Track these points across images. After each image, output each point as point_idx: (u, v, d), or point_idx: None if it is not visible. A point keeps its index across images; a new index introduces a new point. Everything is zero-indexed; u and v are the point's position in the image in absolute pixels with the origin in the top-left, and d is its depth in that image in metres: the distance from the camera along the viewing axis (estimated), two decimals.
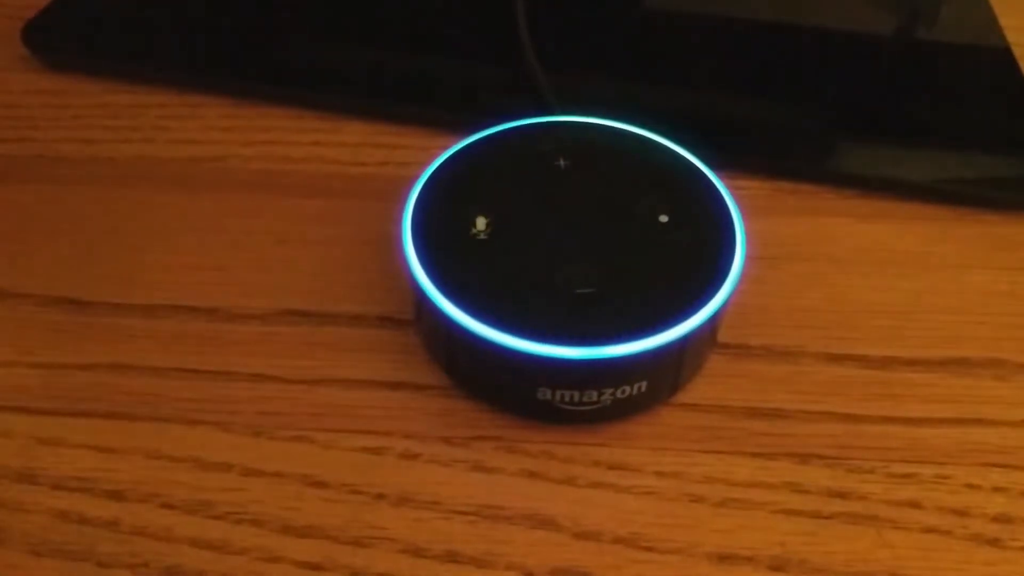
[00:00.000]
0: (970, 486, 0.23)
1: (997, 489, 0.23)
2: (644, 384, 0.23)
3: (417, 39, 0.36)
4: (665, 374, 0.24)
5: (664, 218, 0.24)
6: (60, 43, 0.35)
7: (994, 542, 0.22)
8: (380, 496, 0.23)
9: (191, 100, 0.34)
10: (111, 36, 0.35)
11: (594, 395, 0.23)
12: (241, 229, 0.29)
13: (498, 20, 0.35)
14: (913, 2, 0.39)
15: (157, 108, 0.33)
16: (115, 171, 0.31)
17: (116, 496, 0.22)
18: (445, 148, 0.26)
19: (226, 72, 0.34)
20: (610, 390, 0.23)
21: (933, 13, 0.38)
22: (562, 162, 0.26)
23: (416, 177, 0.25)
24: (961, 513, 0.23)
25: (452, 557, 0.22)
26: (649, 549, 0.22)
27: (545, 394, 0.23)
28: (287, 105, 0.33)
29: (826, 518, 0.22)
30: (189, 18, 0.36)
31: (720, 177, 0.26)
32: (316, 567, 0.21)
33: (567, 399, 0.23)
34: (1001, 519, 0.22)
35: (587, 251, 0.24)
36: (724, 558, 0.22)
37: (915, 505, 0.23)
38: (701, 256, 0.24)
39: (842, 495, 0.23)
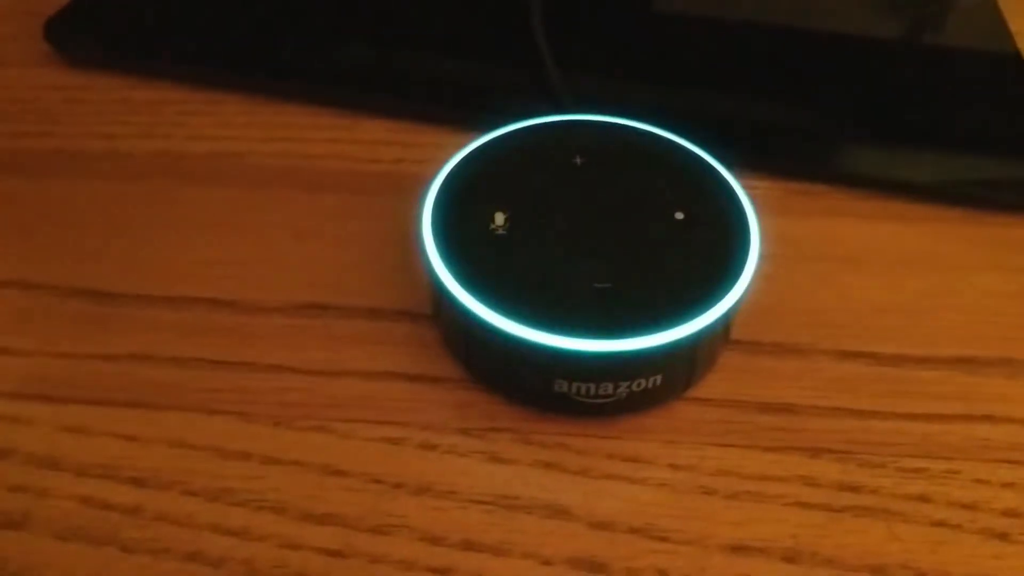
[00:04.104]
0: (979, 481, 0.23)
1: (1006, 485, 0.23)
2: (659, 378, 0.23)
3: (434, 39, 0.36)
4: (679, 369, 0.24)
5: (680, 215, 0.25)
6: (81, 39, 0.35)
7: (1003, 536, 0.22)
8: (399, 485, 0.23)
9: (210, 96, 0.34)
10: (132, 32, 0.36)
11: (610, 388, 0.23)
12: (260, 224, 0.29)
13: (513, 21, 0.36)
14: (925, 7, 0.39)
15: (176, 104, 0.34)
16: (135, 166, 0.31)
17: (138, 483, 0.23)
18: (460, 146, 0.27)
19: (244, 69, 0.34)
20: (626, 383, 0.23)
21: (944, 18, 0.39)
22: (578, 160, 0.26)
23: (434, 174, 0.26)
24: (970, 508, 0.23)
25: (469, 546, 0.22)
26: (663, 539, 0.22)
27: (561, 386, 0.23)
28: (305, 102, 0.34)
29: (837, 511, 0.23)
30: (208, 15, 0.37)
31: (734, 176, 0.26)
32: (336, 554, 0.22)
33: (583, 392, 0.23)
34: (1010, 514, 0.23)
35: (604, 247, 0.24)
36: (737, 549, 0.22)
37: (925, 499, 0.23)
38: (716, 253, 0.24)
39: (853, 489, 0.23)
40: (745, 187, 0.26)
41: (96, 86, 0.34)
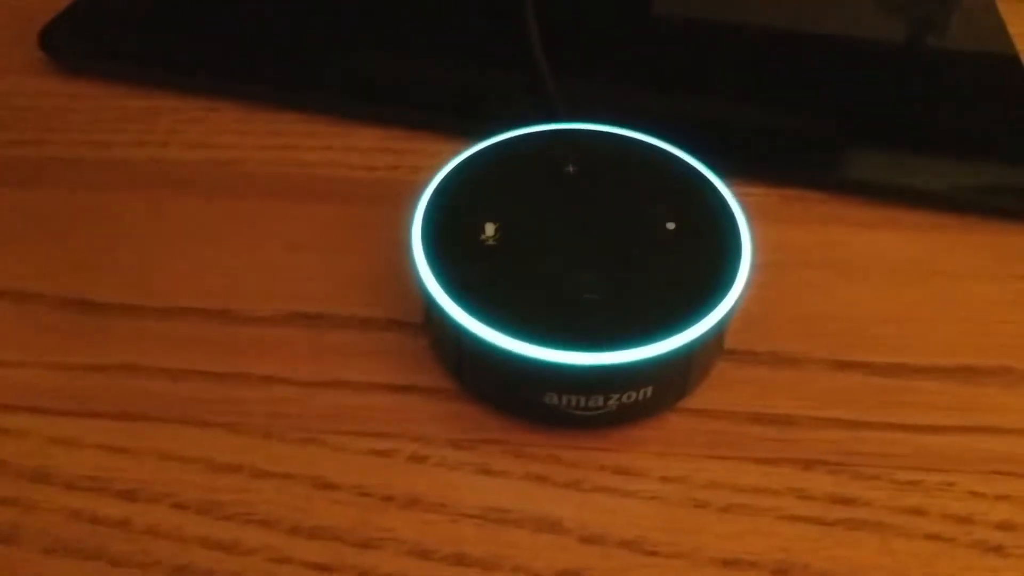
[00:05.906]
0: (974, 494, 0.23)
1: (1001, 497, 0.23)
2: (650, 390, 0.23)
3: (427, 46, 0.36)
4: (672, 380, 0.24)
5: (671, 225, 0.25)
6: (76, 47, 0.35)
7: (998, 549, 0.22)
8: (388, 498, 0.23)
9: (205, 104, 0.34)
10: (127, 40, 0.36)
11: (600, 400, 0.23)
12: (253, 233, 0.29)
13: (507, 27, 0.35)
14: (923, 10, 0.39)
15: (171, 112, 0.34)
16: (129, 174, 0.31)
17: (128, 496, 0.23)
18: (454, 154, 0.27)
19: (239, 77, 0.34)
20: (616, 395, 0.23)
21: (943, 21, 0.38)
22: (571, 169, 0.26)
23: (426, 183, 0.26)
24: (965, 520, 0.23)
25: (459, 559, 0.22)
26: (654, 553, 0.22)
27: (552, 399, 0.23)
28: (299, 110, 0.34)
29: (830, 524, 0.23)
30: (204, 23, 0.37)
31: (727, 184, 0.26)
32: (325, 568, 0.22)
33: (574, 404, 0.23)
34: (1005, 526, 0.23)
35: (595, 257, 0.24)
36: (728, 563, 0.22)
37: (919, 512, 0.23)
38: (708, 263, 0.24)
39: (846, 501, 0.23)
40: (740, 194, 0.26)
41: (91, 94, 0.34)
